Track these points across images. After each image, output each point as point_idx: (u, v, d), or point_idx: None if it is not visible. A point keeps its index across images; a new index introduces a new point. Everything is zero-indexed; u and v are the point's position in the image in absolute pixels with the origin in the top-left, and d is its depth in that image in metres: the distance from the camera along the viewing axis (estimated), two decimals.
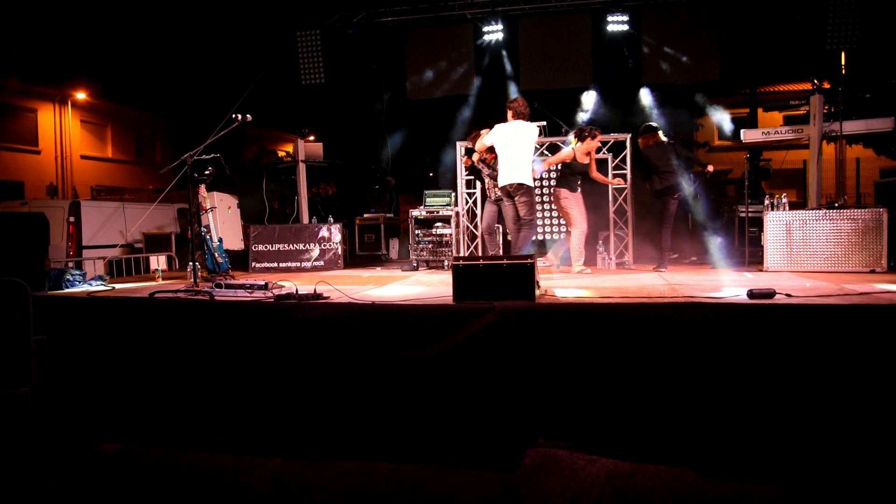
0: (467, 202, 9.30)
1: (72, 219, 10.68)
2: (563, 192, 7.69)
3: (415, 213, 9.12)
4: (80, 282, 6.55)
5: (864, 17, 9.82)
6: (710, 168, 8.07)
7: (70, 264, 9.41)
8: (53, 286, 6.29)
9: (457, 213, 9.04)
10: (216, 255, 7.67)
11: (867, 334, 4.02)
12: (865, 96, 10.10)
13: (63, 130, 18.20)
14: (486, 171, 7.83)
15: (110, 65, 17.19)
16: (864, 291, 4.95)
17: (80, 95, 18.18)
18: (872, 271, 6.60)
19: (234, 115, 6.46)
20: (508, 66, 12.02)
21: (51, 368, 5.23)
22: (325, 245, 9.03)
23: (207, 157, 6.79)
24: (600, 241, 8.75)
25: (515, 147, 6.98)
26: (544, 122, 9.00)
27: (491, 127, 7.45)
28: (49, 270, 6.42)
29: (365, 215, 11.71)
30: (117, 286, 6.70)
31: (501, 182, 7.08)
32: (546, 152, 9.05)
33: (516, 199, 7.01)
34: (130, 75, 17.70)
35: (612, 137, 8.64)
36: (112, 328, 5.29)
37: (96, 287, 6.44)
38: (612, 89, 12.23)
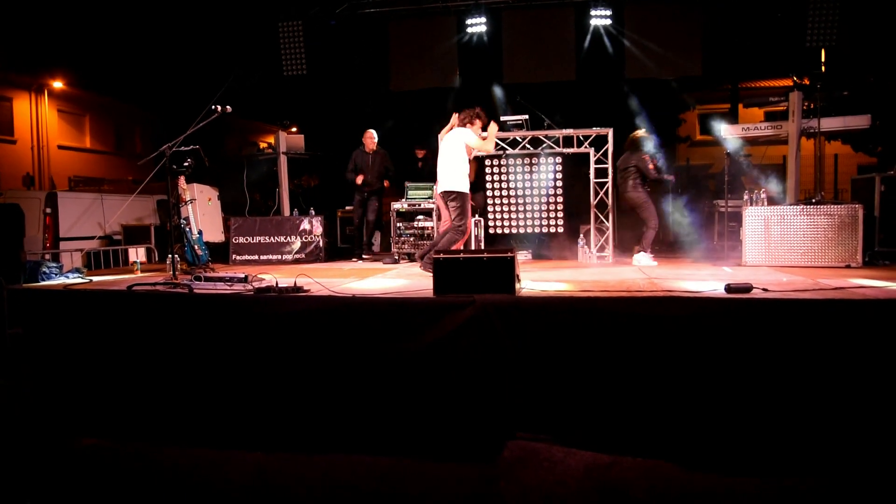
0: None
1: (48, 210, 10.51)
2: None
3: (396, 205, 9.10)
4: (56, 274, 6.48)
5: (844, 16, 9.91)
6: None
7: (47, 256, 9.28)
8: (29, 279, 6.21)
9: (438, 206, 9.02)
10: (196, 247, 7.60)
11: (841, 328, 4.08)
12: (843, 94, 10.21)
13: (39, 120, 17.88)
14: None
15: (88, 54, 16.93)
16: (838, 286, 5.02)
17: (57, 84, 17.86)
18: (848, 266, 6.69)
19: (213, 107, 6.39)
20: (491, 59, 11.99)
21: (27, 362, 5.18)
22: (306, 238, 9.00)
23: (186, 148, 6.72)
24: (581, 235, 8.79)
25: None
26: (526, 116, 9.01)
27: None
28: (25, 263, 6.33)
29: (347, 208, 11.65)
30: (95, 279, 6.63)
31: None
32: (529, 146, 9.06)
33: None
34: (109, 65, 17.44)
35: (595, 132, 8.66)
36: (89, 321, 5.23)
37: (73, 280, 6.37)
38: (594, 83, 12.27)
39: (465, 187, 6.87)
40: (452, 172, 6.86)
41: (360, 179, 9.24)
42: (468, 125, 7.02)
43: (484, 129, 7.10)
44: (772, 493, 3.63)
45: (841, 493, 3.66)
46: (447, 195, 6.90)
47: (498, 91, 12.15)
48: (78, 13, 15.76)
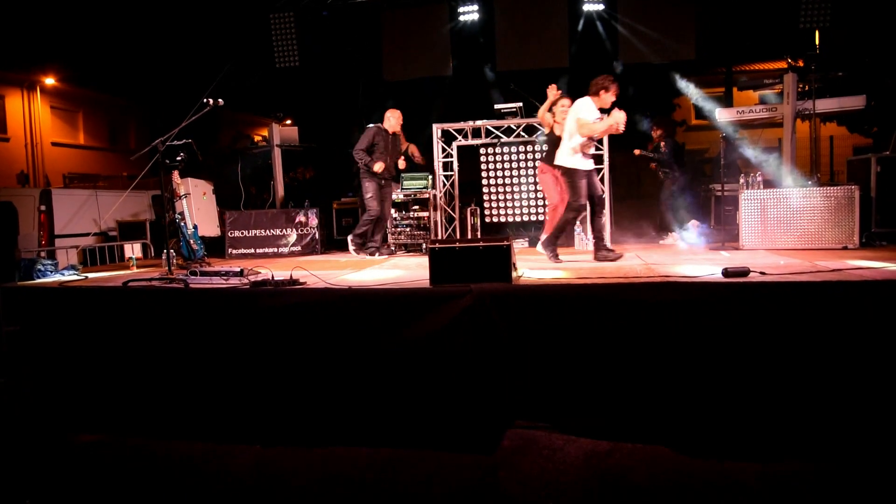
0: (445, 184, 9.27)
1: (43, 207, 10.47)
2: None
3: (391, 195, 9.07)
4: (52, 272, 6.45)
5: None
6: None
7: (42, 254, 9.26)
8: (24, 277, 6.19)
9: (434, 196, 9.01)
10: (191, 242, 7.58)
11: (839, 310, 4.07)
12: (838, 74, 10.18)
13: (32, 117, 17.80)
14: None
15: (79, 49, 16.79)
16: (836, 268, 5.01)
17: (50, 81, 17.76)
18: (845, 248, 6.69)
19: (205, 100, 6.36)
20: (484, 47, 11.95)
21: (25, 360, 5.17)
22: (302, 230, 8.98)
23: (179, 142, 6.69)
24: (578, 222, 8.77)
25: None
26: (521, 104, 8.97)
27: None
28: (20, 261, 6.32)
29: (342, 199, 11.63)
30: (90, 275, 6.60)
31: None
32: (523, 133, 9.04)
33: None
34: (101, 60, 17.29)
35: None
36: (85, 318, 5.22)
37: (68, 277, 6.34)
38: (588, 69, 12.21)
39: (568, 162, 6.53)
40: (561, 146, 6.66)
41: (380, 167, 8.07)
42: (593, 96, 6.51)
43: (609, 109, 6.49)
44: (772, 477, 3.64)
45: (843, 477, 3.66)
46: (558, 169, 6.76)
47: (489, 73, 12.07)
48: (68, 8, 15.62)
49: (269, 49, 11.87)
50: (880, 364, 3.95)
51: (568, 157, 6.54)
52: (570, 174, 6.55)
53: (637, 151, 9.53)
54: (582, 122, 6.35)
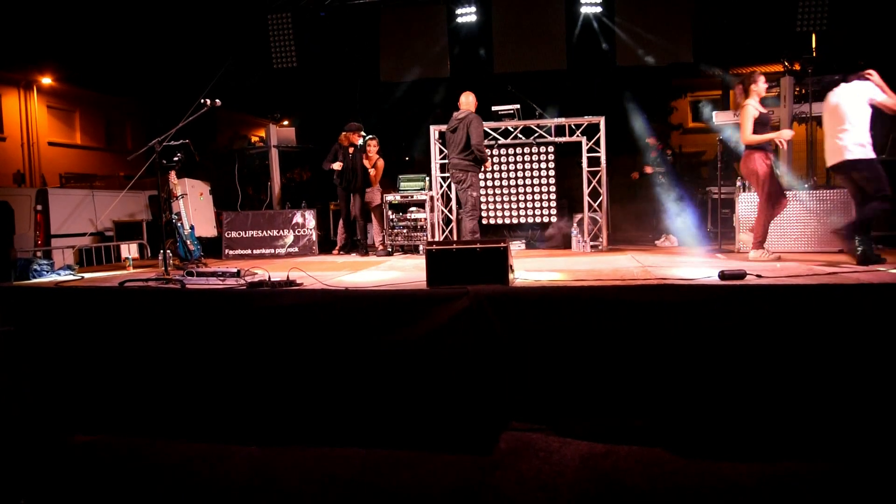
0: (442, 186, 9.26)
1: (39, 207, 10.45)
2: None
3: (389, 197, 9.08)
4: (47, 272, 6.43)
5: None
6: None
7: (38, 254, 9.23)
8: (20, 276, 6.17)
9: (431, 198, 9.01)
10: (188, 242, 7.57)
11: (835, 313, 4.09)
12: (835, 78, 10.21)
13: (29, 117, 17.73)
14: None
15: (76, 49, 16.77)
16: (831, 271, 5.02)
17: (46, 80, 17.70)
18: (840, 251, 6.69)
19: (202, 100, 6.35)
20: (482, 49, 11.97)
21: (21, 360, 5.15)
22: (299, 231, 8.97)
23: (176, 142, 6.68)
24: (575, 224, 8.79)
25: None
26: (518, 106, 8.98)
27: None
28: (16, 260, 6.30)
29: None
30: (87, 275, 6.59)
31: None
32: (521, 135, 9.05)
33: None
34: (98, 60, 17.27)
35: (586, 120, 8.64)
36: (81, 319, 5.20)
37: (64, 277, 6.33)
38: (586, 72, 12.24)
39: (864, 153, 5.63)
40: (847, 137, 5.72)
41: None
42: (866, 79, 5.88)
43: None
44: (769, 478, 3.64)
45: (839, 478, 3.66)
46: (850, 168, 5.74)
47: (483, 58, 12.09)
48: (66, 7, 15.59)
49: (267, 50, 11.88)
50: (876, 365, 3.96)
51: (864, 148, 5.67)
52: (869, 165, 5.64)
53: (645, 170, 9.64)
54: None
